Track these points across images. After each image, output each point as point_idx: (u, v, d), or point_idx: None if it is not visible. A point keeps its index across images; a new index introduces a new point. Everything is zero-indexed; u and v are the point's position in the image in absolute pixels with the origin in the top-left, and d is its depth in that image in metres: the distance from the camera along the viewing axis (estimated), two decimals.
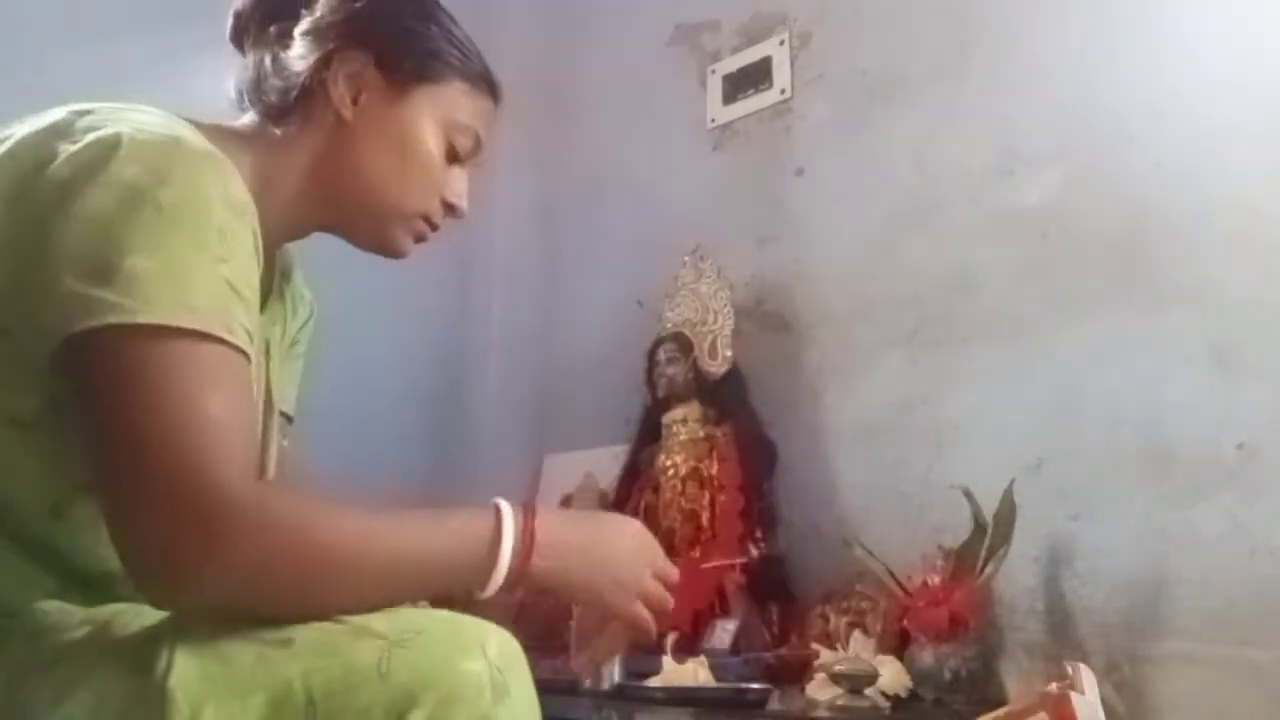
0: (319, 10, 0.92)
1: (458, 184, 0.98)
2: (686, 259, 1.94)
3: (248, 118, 0.93)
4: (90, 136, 0.72)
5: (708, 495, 1.79)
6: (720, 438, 1.82)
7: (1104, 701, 1.12)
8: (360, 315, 2.18)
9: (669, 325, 1.93)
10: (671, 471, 1.85)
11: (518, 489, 2.24)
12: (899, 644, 1.47)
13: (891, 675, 1.41)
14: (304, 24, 0.92)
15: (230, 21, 0.97)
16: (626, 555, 0.87)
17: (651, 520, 1.85)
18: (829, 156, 1.92)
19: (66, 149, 0.72)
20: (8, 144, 0.75)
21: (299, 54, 0.91)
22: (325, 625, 0.70)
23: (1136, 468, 1.43)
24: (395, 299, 2.30)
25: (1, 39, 1.64)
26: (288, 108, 0.91)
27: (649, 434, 1.93)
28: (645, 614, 0.87)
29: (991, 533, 1.42)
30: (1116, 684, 1.38)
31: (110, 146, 0.71)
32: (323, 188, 0.92)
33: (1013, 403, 1.58)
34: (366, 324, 2.21)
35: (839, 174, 1.90)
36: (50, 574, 0.78)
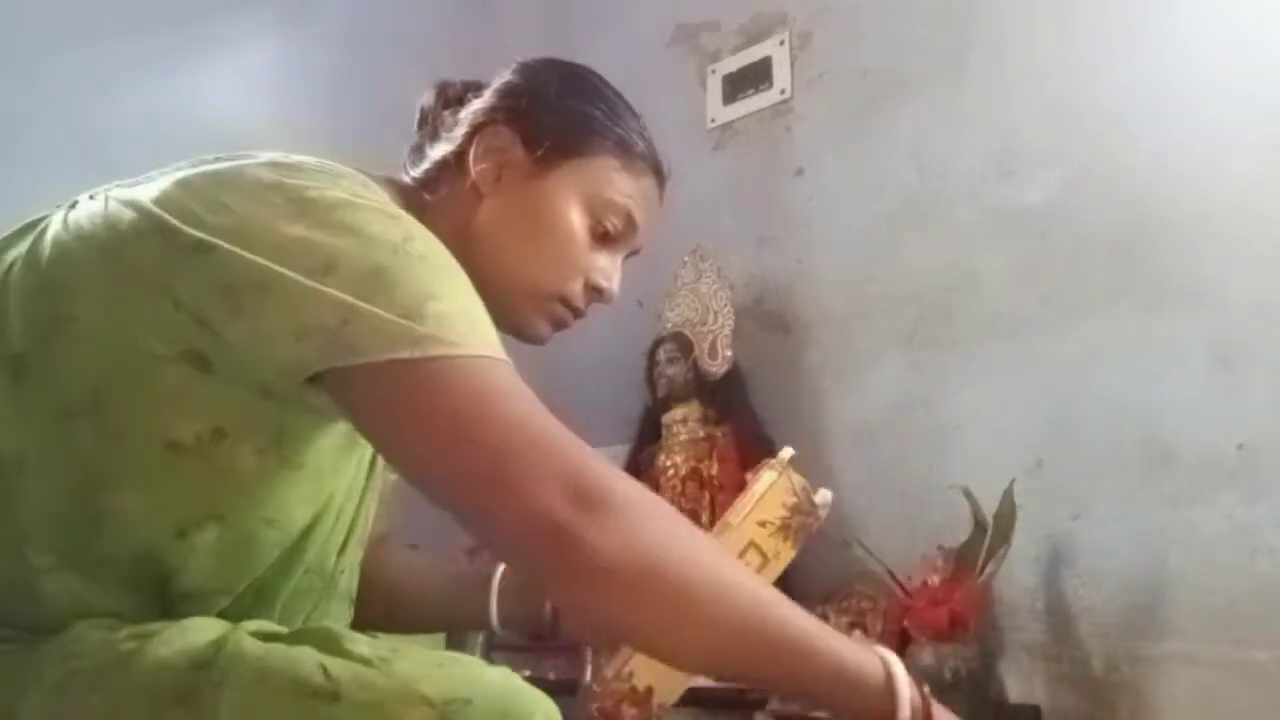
0: (484, 92, 0.93)
1: (605, 266, 0.94)
2: (686, 259, 1.94)
3: (408, 182, 0.93)
4: (314, 195, 0.73)
5: (708, 495, 1.79)
6: (720, 438, 1.82)
7: (1104, 701, 1.13)
8: None
9: (669, 325, 1.93)
10: (671, 471, 1.85)
11: None
12: (899, 644, 1.47)
13: None
14: (468, 106, 0.93)
15: (418, 115, 0.98)
16: None
17: None
18: (829, 156, 1.92)
19: (279, 202, 0.72)
20: (222, 197, 0.74)
21: (454, 131, 0.92)
22: (375, 683, 0.68)
23: (1136, 468, 1.43)
24: None
25: (1, 39, 1.64)
26: (431, 179, 0.91)
27: (649, 434, 1.93)
28: None
29: (991, 533, 1.42)
30: (1116, 684, 1.38)
31: (342, 207, 0.73)
32: (460, 262, 0.88)
33: (1013, 403, 1.58)
34: None
35: (839, 174, 1.90)
36: (129, 591, 0.76)
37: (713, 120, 2.14)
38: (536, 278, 0.91)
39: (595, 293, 0.95)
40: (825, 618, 1.58)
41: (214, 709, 0.65)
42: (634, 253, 0.98)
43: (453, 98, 0.95)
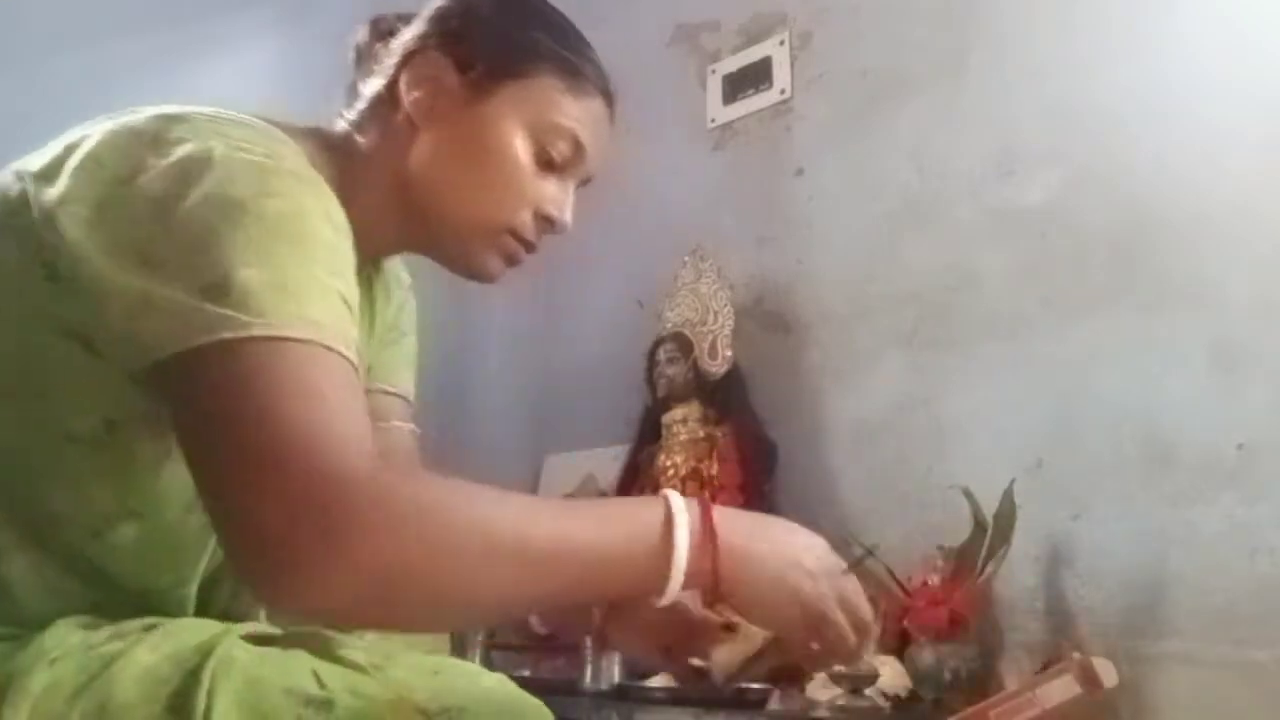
0: (413, 22, 0.86)
1: (554, 194, 0.87)
2: (686, 259, 1.94)
3: (340, 125, 0.87)
4: (182, 151, 0.66)
5: (708, 495, 1.79)
6: (720, 438, 1.82)
7: (1104, 701, 1.13)
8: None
9: (669, 325, 1.93)
10: (671, 471, 1.85)
11: (518, 489, 2.23)
12: (899, 644, 1.47)
13: (891, 675, 1.41)
14: (399, 36, 0.86)
15: (352, 54, 0.91)
16: (816, 556, 0.76)
17: None
18: (829, 156, 1.92)
19: (157, 163, 0.66)
20: (88, 146, 0.69)
21: (385, 63, 0.85)
22: (369, 691, 0.67)
23: (1136, 468, 1.43)
24: None
25: (1, 39, 1.64)
26: (365, 118, 0.85)
27: (649, 434, 1.93)
28: (845, 624, 0.76)
29: (991, 533, 1.42)
30: (1116, 684, 1.37)
31: (203, 163, 0.66)
32: (401, 203, 0.84)
33: (1013, 403, 1.58)
34: None
35: (839, 174, 1.90)
36: (88, 589, 0.74)
37: (713, 120, 2.14)
38: (482, 211, 0.84)
39: (546, 223, 0.88)
40: None
41: (206, 715, 0.64)
42: (586, 180, 0.91)
43: (385, 30, 0.88)
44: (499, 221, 0.85)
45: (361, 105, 0.86)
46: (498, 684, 0.72)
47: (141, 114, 0.71)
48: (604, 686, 1.50)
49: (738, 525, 0.73)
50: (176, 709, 0.64)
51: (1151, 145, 1.50)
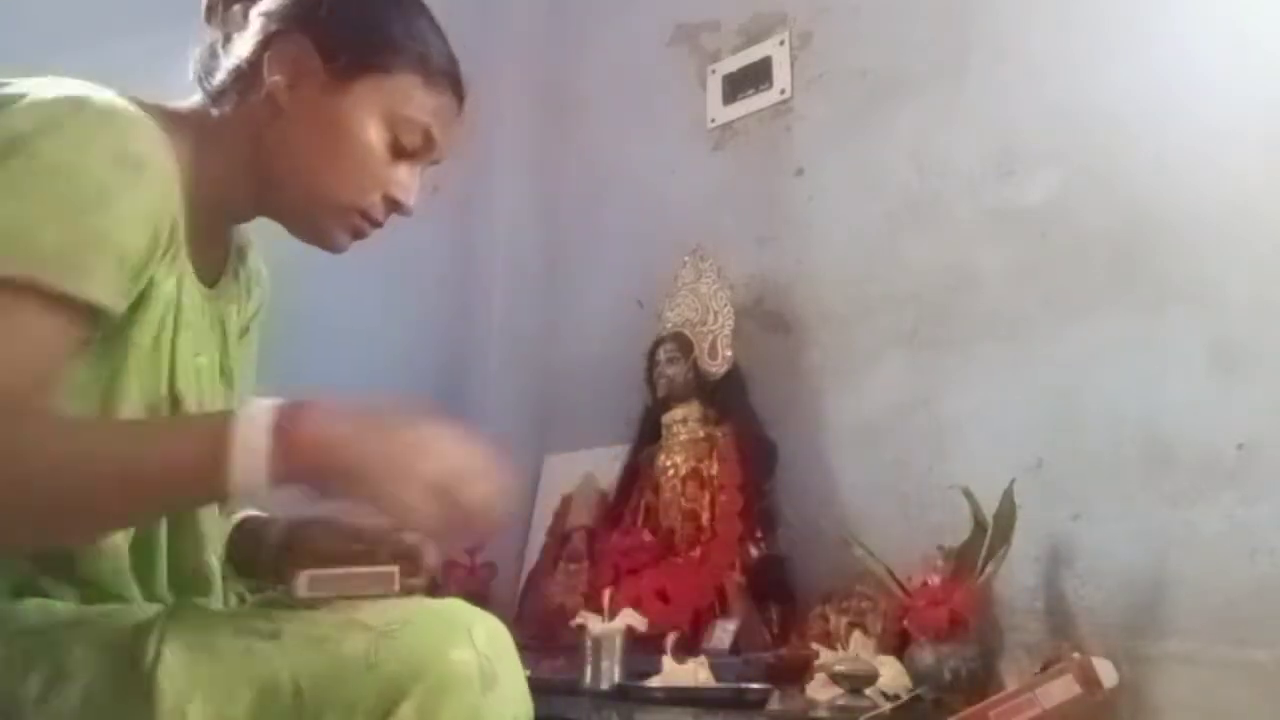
0: None
1: (404, 180, 0.92)
2: (686, 259, 1.94)
3: (194, 99, 0.91)
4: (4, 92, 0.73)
5: (708, 495, 1.79)
6: (720, 438, 1.82)
7: (1104, 701, 1.13)
8: (360, 315, 2.19)
9: (669, 325, 1.93)
10: (671, 471, 1.85)
11: (518, 489, 2.24)
12: (899, 644, 1.47)
13: (891, 675, 1.41)
14: (260, 4, 0.89)
15: (204, 7, 0.93)
16: (436, 439, 0.75)
17: (651, 520, 1.86)
18: (829, 156, 1.92)
19: None
20: None
21: (247, 35, 0.88)
22: (315, 617, 0.71)
23: (1136, 468, 1.43)
24: (395, 299, 2.31)
25: (1, 39, 1.65)
26: (225, 89, 0.88)
27: (649, 434, 1.93)
28: (424, 510, 0.72)
29: (991, 533, 1.42)
30: (1116, 684, 1.37)
31: (7, 101, 0.72)
32: (256, 174, 0.89)
33: (1013, 403, 1.58)
34: (367, 324, 2.22)
35: (839, 174, 1.90)
36: (40, 574, 0.77)
37: (713, 120, 2.14)
38: (335, 191, 0.89)
39: (393, 205, 0.93)
40: (825, 618, 1.58)
41: (158, 656, 0.67)
42: (434, 163, 0.97)
43: None
44: (351, 202, 0.90)
45: (221, 75, 0.89)
46: (446, 602, 0.74)
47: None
48: (604, 686, 1.50)
49: (337, 424, 0.72)
50: (129, 659, 0.68)
51: (1151, 145, 1.50)
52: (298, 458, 0.70)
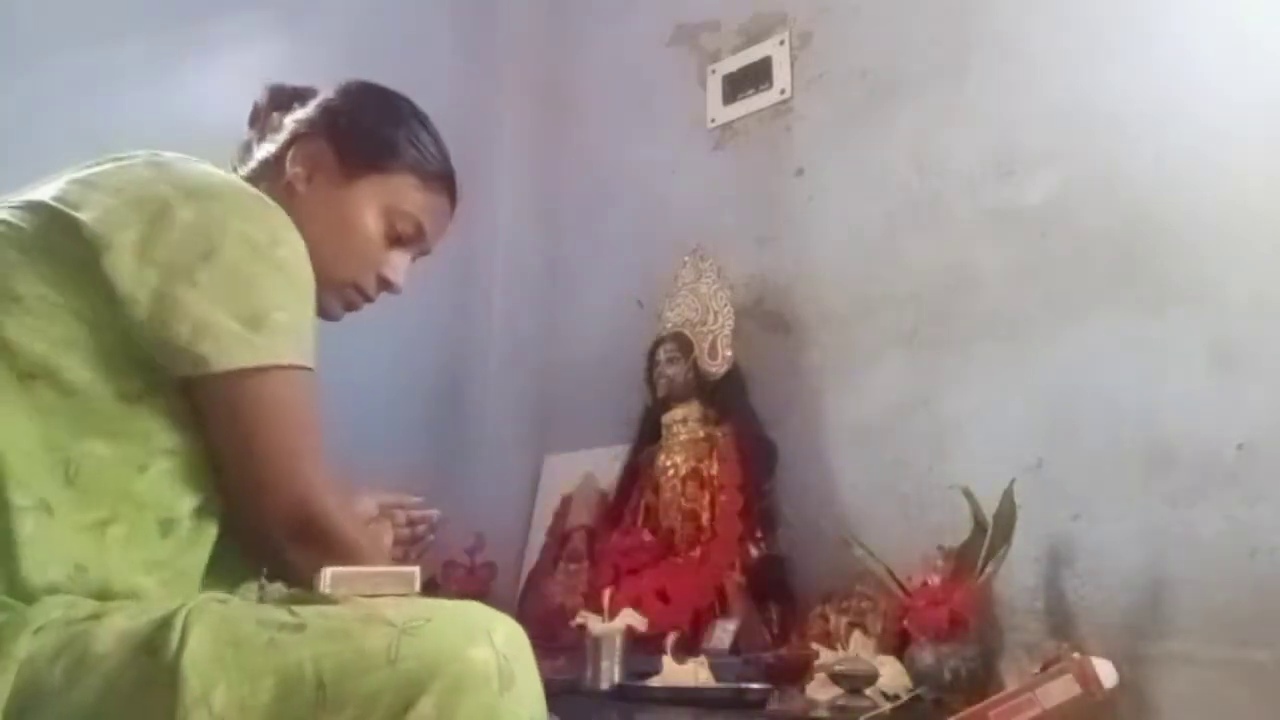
0: (308, 104, 1.07)
1: (397, 263, 1.07)
2: (686, 259, 1.94)
3: None
4: (194, 183, 0.87)
5: (708, 495, 1.79)
6: (720, 438, 1.82)
7: (1104, 701, 1.14)
8: (360, 315, 2.19)
9: (669, 325, 1.93)
10: (671, 471, 1.85)
11: (518, 489, 2.24)
12: (899, 644, 1.47)
13: (891, 675, 1.41)
14: (294, 113, 1.06)
15: (250, 111, 1.10)
16: None
17: (651, 520, 1.86)
18: (829, 156, 1.92)
19: (180, 198, 0.85)
20: (114, 179, 0.86)
21: (279, 135, 1.05)
22: (338, 611, 0.73)
23: (1136, 468, 1.43)
24: (395, 299, 2.30)
25: (1, 39, 1.64)
26: (254, 178, 1.02)
27: (649, 434, 1.93)
28: None
29: (991, 533, 1.42)
30: (1116, 684, 1.37)
31: (200, 193, 0.86)
32: None
33: (1013, 403, 1.58)
34: (366, 324, 2.21)
35: (839, 174, 1.90)
36: (95, 538, 0.80)
37: (713, 120, 2.14)
38: (337, 269, 1.02)
39: (385, 284, 1.08)
40: (825, 618, 1.58)
41: (180, 650, 0.69)
42: (424, 253, 1.12)
43: (283, 102, 1.09)
44: (349, 279, 1.05)
45: (253, 164, 1.06)
46: (463, 602, 0.77)
47: (132, 155, 0.89)
48: (604, 686, 1.50)
49: None
50: (150, 650, 0.70)
51: (1151, 145, 1.50)
52: None
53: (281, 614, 0.73)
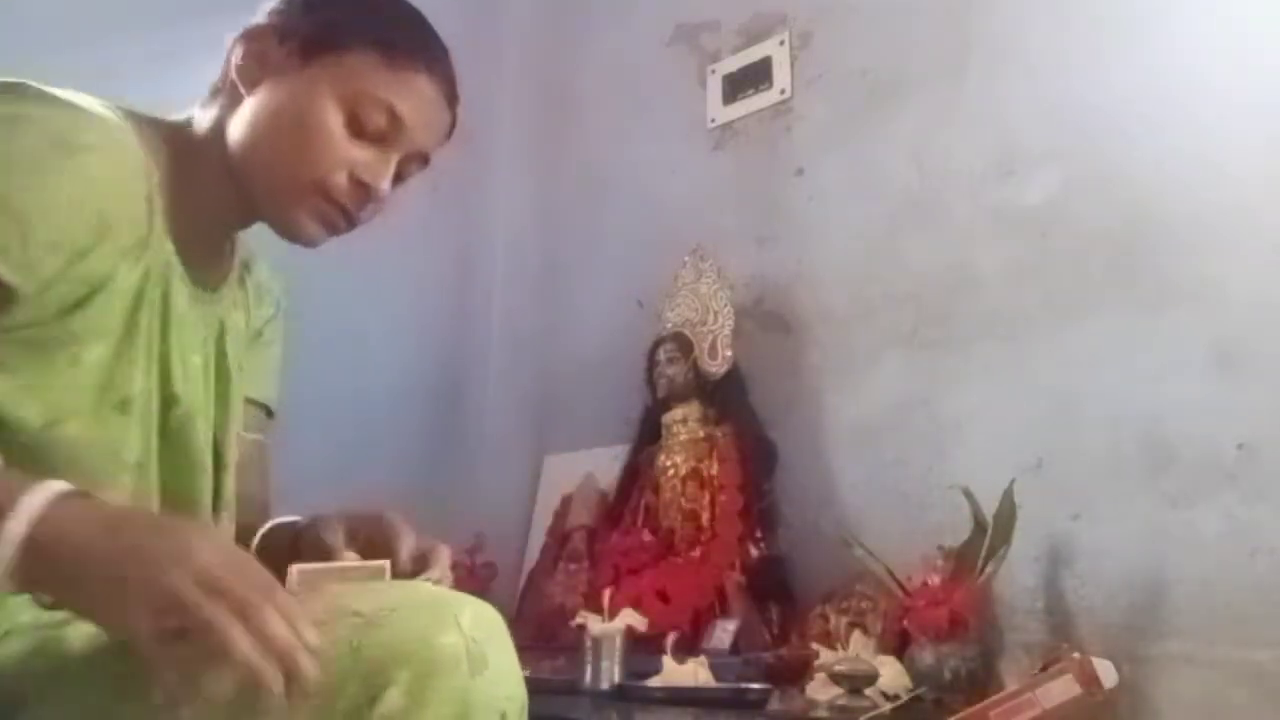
0: None
1: (372, 163, 0.90)
2: (686, 259, 1.94)
3: (186, 113, 0.93)
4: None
5: (708, 495, 1.79)
6: (720, 438, 1.82)
7: (1104, 701, 1.14)
8: (361, 315, 2.19)
9: (669, 325, 1.93)
10: (671, 471, 1.85)
11: (518, 489, 2.24)
12: (899, 644, 1.47)
13: (891, 675, 1.41)
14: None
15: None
16: (166, 549, 0.64)
17: (651, 520, 1.86)
18: (829, 156, 1.92)
19: None
20: None
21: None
22: (308, 603, 0.70)
23: (1136, 468, 1.43)
24: (395, 299, 2.31)
25: (1, 39, 1.64)
26: (207, 99, 0.92)
27: (649, 434, 1.93)
28: (159, 647, 0.63)
29: (991, 533, 1.42)
30: (1116, 684, 1.37)
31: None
32: (232, 169, 0.90)
33: (1013, 403, 1.58)
34: (367, 324, 2.21)
35: (839, 174, 1.90)
36: None
37: (713, 120, 2.14)
38: (290, 170, 0.88)
39: (362, 189, 0.90)
40: (825, 618, 1.58)
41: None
42: (418, 159, 0.94)
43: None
44: (308, 180, 0.88)
45: (209, 91, 0.92)
46: (434, 588, 0.75)
47: None
48: (604, 686, 1.50)
49: (81, 529, 0.65)
50: (123, 652, 0.66)
51: (1151, 145, 1.50)
52: (39, 565, 0.64)
53: None
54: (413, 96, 0.90)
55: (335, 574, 0.78)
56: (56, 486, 0.65)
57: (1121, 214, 1.51)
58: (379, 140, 0.89)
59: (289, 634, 0.63)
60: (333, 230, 0.92)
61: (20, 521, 0.63)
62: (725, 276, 1.88)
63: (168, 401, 0.85)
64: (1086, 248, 1.54)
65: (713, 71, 2.16)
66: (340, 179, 0.89)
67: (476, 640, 0.70)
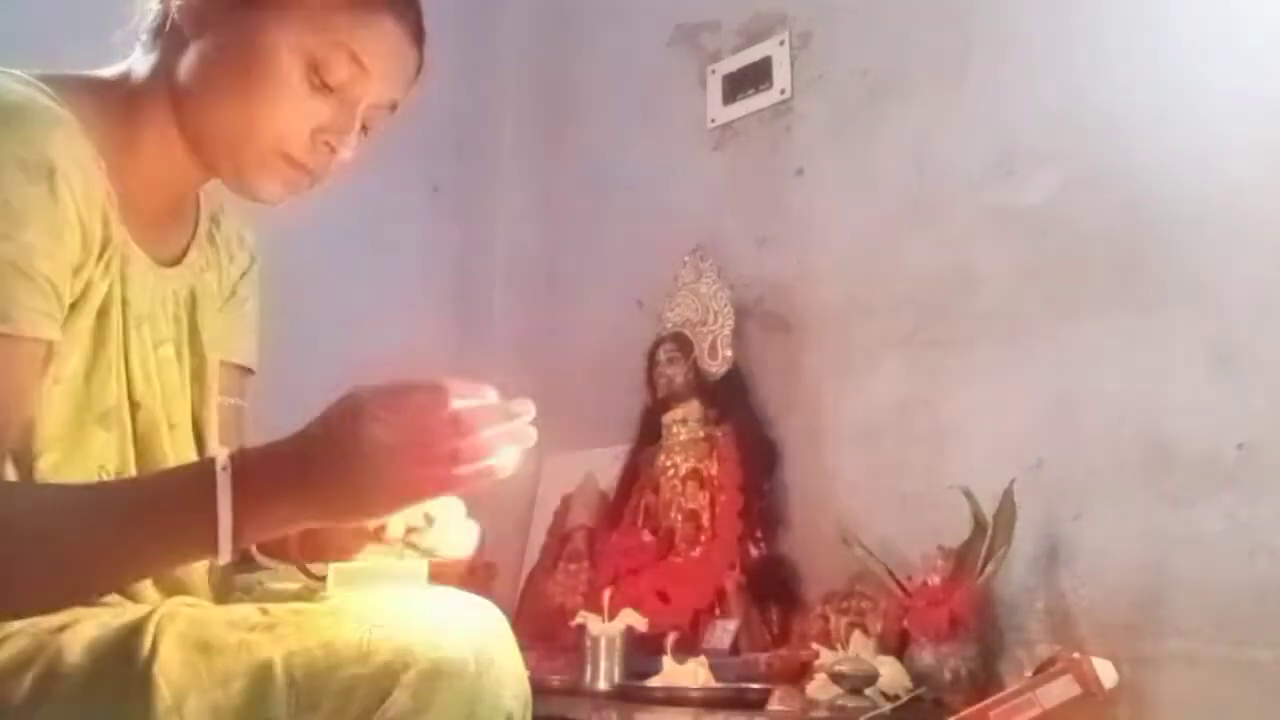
0: None
1: (336, 118, 0.82)
2: (686, 259, 1.94)
3: (120, 65, 0.86)
4: None
5: (708, 495, 1.79)
6: (720, 438, 1.82)
7: (1104, 701, 1.14)
8: (360, 315, 2.19)
9: (669, 325, 1.93)
10: (671, 471, 1.85)
11: (518, 489, 2.24)
12: (899, 644, 1.47)
13: (891, 675, 1.41)
14: None
15: None
16: (367, 446, 0.68)
17: (651, 520, 1.86)
18: (829, 156, 1.92)
19: None
20: None
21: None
22: (309, 608, 0.71)
23: (1136, 468, 1.43)
24: (395, 299, 2.31)
25: (1, 38, 1.65)
26: (144, 46, 0.84)
27: (649, 434, 1.93)
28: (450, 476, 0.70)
29: (991, 533, 1.42)
30: (1116, 684, 1.37)
31: None
32: (182, 124, 0.83)
33: (1013, 403, 1.58)
34: (367, 324, 2.21)
35: (839, 174, 1.90)
36: None
37: (713, 120, 2.14)
38: (246, 127, 0.80)
39: (325, 147, 0.83)
40: (825, 618, 1.58)
41: (151, 658, 0.66)
42: (388, 106, 0.86)
43: None
44: (266, 141, 0.81)
45: (142, 35, 0.84)
46: (439, 591, 0.74)
47: None
48: (604, 686, 1.50)
49: (281, 471, 0.71)
50: (122, 659, 0.67)
51: (1151, 145, 1.50)
52: (266, 517, 0.70)
53: (253, 613, 0.71)
54: (376, 41, 0.82)
55: (372, 573, 0.79)
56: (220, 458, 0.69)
57: (1121, 214, 1.51)
58: (341, 91, 0.82)
59: (490, 420, 0.72)
60: (294, 190, 0.86)
61: (225, 496, 0.67)
62: (725, 276, 1.88)
63: (133, 407, 0.83)
64: (1086, 248, 1.54)
65: (713, 72, 2.16)
66: (302, 137, 0.82)
67: (483, 641, 0.70)
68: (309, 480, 0.70)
